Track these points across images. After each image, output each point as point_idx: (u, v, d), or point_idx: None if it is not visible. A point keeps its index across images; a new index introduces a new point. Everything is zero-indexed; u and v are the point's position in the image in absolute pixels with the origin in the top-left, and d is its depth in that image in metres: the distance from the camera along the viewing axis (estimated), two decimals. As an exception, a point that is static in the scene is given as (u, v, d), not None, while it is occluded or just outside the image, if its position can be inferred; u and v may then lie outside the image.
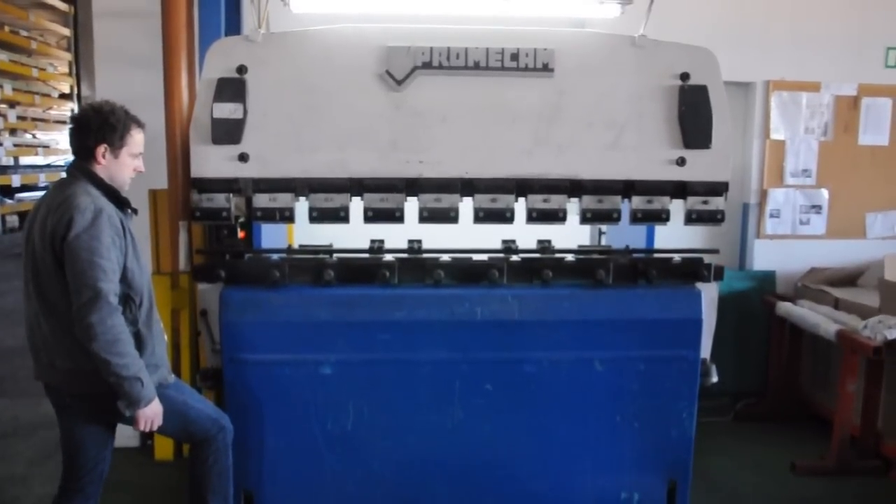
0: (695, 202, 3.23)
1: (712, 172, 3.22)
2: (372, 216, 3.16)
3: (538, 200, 3.19)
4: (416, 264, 3.22)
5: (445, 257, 3.27)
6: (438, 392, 3.20)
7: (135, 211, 2.79)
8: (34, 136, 11.72)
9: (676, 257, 3.33)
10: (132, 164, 2.73)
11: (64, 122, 11.74)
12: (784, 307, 4.79)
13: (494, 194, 3.17)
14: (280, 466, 3.22)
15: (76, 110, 9.52)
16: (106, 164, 2.66)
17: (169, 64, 3.32)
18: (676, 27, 3.74)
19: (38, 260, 2.59)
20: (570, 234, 3.57)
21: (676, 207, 3.27)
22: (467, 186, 3.18)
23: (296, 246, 3.49)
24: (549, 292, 3.20)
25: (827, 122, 5.18)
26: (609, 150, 3.19)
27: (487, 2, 3.58)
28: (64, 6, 11.24)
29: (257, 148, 3.10)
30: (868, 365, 4.18)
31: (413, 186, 3.16)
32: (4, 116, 10.43)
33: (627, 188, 3.22)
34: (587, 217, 3.24)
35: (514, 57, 3.13)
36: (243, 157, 3.09)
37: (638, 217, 3.24)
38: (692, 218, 3.25)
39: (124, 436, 4.04)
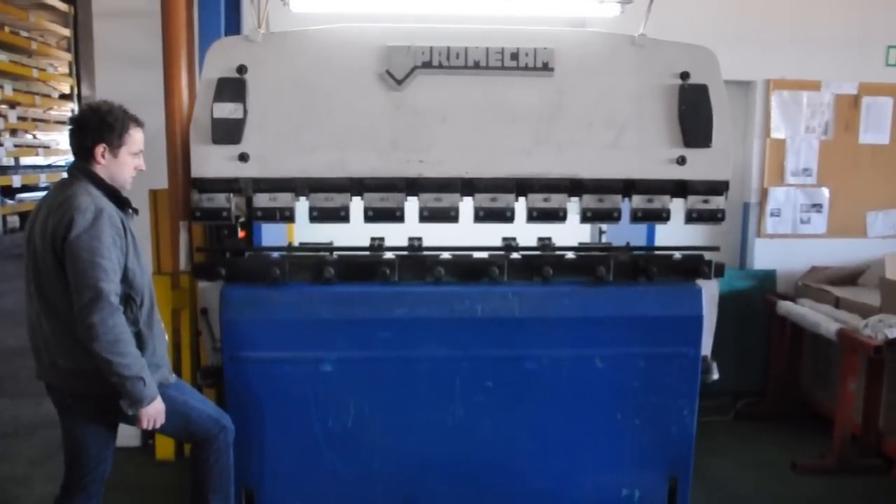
0: (695, 201, 3.23)
1: (713, 171, 3.22)
2: (372, 216, 3.16)
3: (538, 200, 3.19)
4: (417, 262, 3.22)
5: (446, 255, 3.27)
6: (439, 389, 3.21)
7: (135, 211, 2.80)
8: (35, 137, 11.74)
9: (677, 254, 3.34)
10: (132, 162, 2.73)
11: (64, 123, 11.73)
12: (785, 306, 4.79)
13: (495, 194, 3.17)
14: (281, 464, 3.23)
15: (76, 111, 9.53)
16: (106, 164, 2.66)
17: (169, 64, 3.32)
18: (676, 26, 3.74)
19: (40, 260, 2.59)
20: (571, 234, 3.57)
21: (677, 207, 3.27)
22: (467, 186, 3.18)
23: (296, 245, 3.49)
24: (549, 289, 3.21)
25: (827, 121, 5.18)
26: (609, 149, 3.20)
27: (487, 1, 3.58)
28: (64, 7, 11.25)
29: (257, 148, 3.10)
30: (869, 364, 4.18)
31: (413, 186, 3.16)
32: (5, 117, 10.44)
33: (628, 187, 3.22)
34: (587, 216, 3.24)
35: (514, 56, 3.13)
36: (243, 157, 3.10)
37: (638, 216, 3.25)
38: (693, 217, 3.24)
39: (126, 435, 4.05)
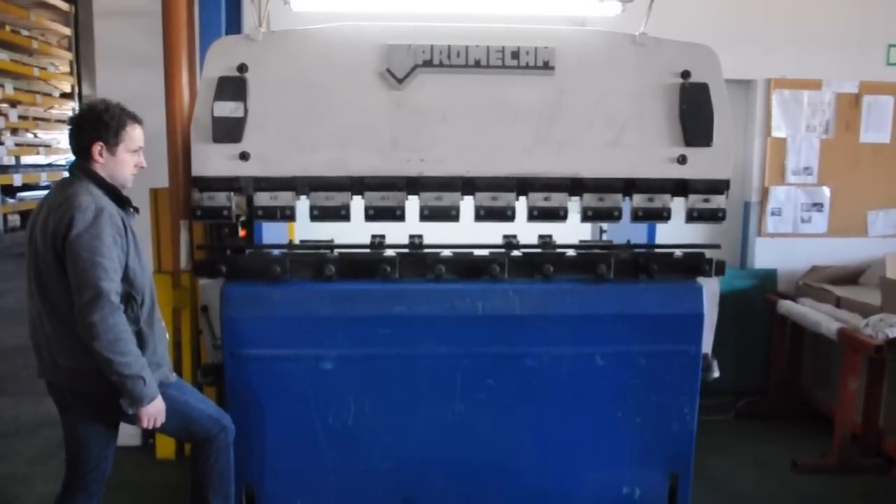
0: (696, 200, 3.23)
1: (713, 170, 3.22)
2: (373, 215, 3.16)
3: (539, 199, 3.19)
4: (417, 259, 3.22)
5: (446, 252, 3.27)
6: (440, 387, 3.21)
7: (136, 210, 2.80)
8: (35, 136, 11.75)
9: (678, 252, 3.33)
10: (132, 160, 2.72)
11: (65, 122, 11.72)
12: (785, 305, 4.79)
13: (495, 193, 3.17)
14: (281, 461, 3.23)
15: (77, 109, 9.54)
16: (104, 163, 2.66)
17: (169, 63, 3.32)
18: (677, 25, 3.74)
19: (41, 259, 2.60)
20: (571, 233, 3.57)
21: (677, 206, 3.26)
22: (468, 185, 3.18)
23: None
24: (550, 287, 3.21)
25: (828, 120, 5.18)
26: (610, 148, 3.19)
27: (488, 0, 3.57)
28: (65, 6, 11.27)
29: (258, 146, 3.10)
30: (869, 363, 4.18)
31: (414, 185, 3.16)
32: (6, 116, 10.46)
33: (628, 186, 3.22)
34: (588, 215, 3.24)
35: (515, 55, 3.13)
36: (244, 156, 3.10)
37: (639, 215, 3.24)
38: (693, 216, 3.24)
39: (126, 435, 4.05)
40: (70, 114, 10.53)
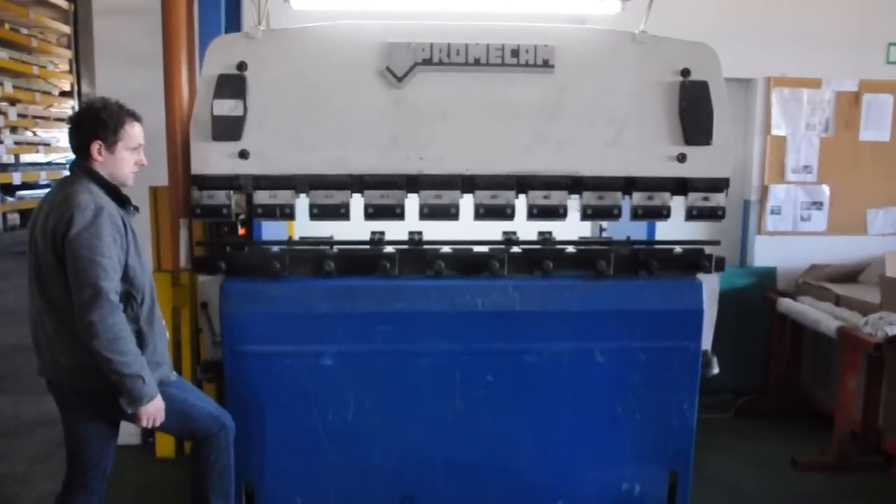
0: (695, 199, 3.23)
1: (713, 169, 3.22)
2: (372, 213, 3.16)
3: (539, 197, 3.19)
4: (417, 255, 3.23)
5: (446, 248, 3.27)
6: (439, 383, 3.21)
7: (136, 208, 2.79)
8: (35, 134, 11.73)
9: (678, 248, 3.33)
10: (131, 158, 2.71)
11: (64, 120, 11.72)
12: (785, 304, 4.79)
13: (495, 191, 3.17)
14: (281, 458, 3.23)
15: (76, 108, 9.54)
16: (104, 161, 2.65)
17: (169, 61, 3.33)
18: (677, 23, 3.73)
19: (41, 258, 2.59)
20: (571, 231, 3.57)
21: (677, 204, 3.27)
22: (468, 183, 3.18)
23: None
24: (550, 283, 3.21)
25: (828, 119, 5.18)
26: (609, 146, 3.19)
27: (488, -2, 3.58)
28: (64, 4, 11.26)
29: (258, 145, 3.10)
30: (869, 361, 4.18)
31: (413, 183, 3.16)
32: (5, 114, 10.44)
33: (628, 185, 3.22)
34: (588, 214, 3.24)
35: (515, 53, 3.13)
36: (244, 154, 3.10)
37: (638, 214, 3.24)
38: (693, 214, 3.24)
39: (126, 433, 4.04)
40: (69, 112, 10.57)
